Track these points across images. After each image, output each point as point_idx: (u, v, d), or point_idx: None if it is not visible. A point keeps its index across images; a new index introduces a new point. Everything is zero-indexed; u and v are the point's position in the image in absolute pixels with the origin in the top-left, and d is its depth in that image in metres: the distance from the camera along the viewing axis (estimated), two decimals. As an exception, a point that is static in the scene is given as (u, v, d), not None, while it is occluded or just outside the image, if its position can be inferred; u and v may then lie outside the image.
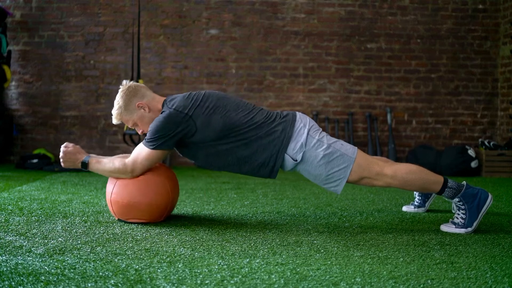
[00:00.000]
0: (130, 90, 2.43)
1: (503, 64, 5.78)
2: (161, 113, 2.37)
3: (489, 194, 2.34)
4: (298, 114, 2.43)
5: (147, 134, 2.36)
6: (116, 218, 2.49)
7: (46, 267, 1.69)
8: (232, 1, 5.73)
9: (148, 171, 2.43)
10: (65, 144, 2.47)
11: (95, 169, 2.42)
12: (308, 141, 2.34)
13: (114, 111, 2.45)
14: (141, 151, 2.37)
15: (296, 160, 2.34)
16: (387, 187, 2.39)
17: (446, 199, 2.38)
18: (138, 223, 2.43)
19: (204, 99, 2.39)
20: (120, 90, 2.45)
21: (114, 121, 2.48)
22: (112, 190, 2.41)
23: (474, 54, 5.88)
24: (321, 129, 2.42)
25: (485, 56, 5.88)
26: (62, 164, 2.45)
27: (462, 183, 2.36)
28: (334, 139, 2.38)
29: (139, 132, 2.50)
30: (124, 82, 2.50)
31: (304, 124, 2.38)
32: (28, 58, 5.62)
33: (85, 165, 2.43)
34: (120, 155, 2.55)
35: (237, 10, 5.73)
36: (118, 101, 2.43)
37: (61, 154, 2.44)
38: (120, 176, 2.40)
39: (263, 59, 5.76)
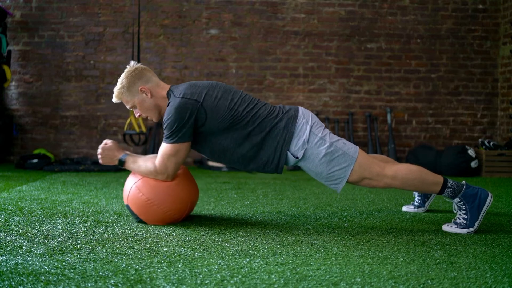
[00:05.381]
0: (136, 73, 2.42)
1: (503, 64, 5.78)
2: (168, 104, 2.36)
3: (489, 193, 2.34)
4: (301, 110, 2.43)
5: (165, 132, 2.33)
6: (125, 203, 2.47)
7: (46, 267, 1.68)
8: (232, 1, 5.73)
9: (181, 184, 2.41)
10: (104, 141, 2.48)
11: (130, 169, 2.43)
12: (310, 138, 2.33)
13: (116, 90, 2.43)
14: (165, 149, 2.34)
15: (298, 157, 2.34)
16: (387, 188, 2.39)
17: (446, 199, 2.38)
18: (138, 223, 2.42)
19: (212, 89, 2.38)
20: (126, 70, 2.44)
21: (114, 99, 2.46)
22: (139, 178, 2.40)
23: (474, 54, 5.88)
24: (323, 125, 2.42)
25: (485, 56, 5.88)
26: (100, 160, 2.46)
27: (462, 183, 2.36)
28: (336, 137, 2.38)
29: (136, 115, 2.50)
30: (132, 62, 2.48)
31: (306, 120, 2.37)
32: (28, 58, 5.62)
33: (122, 163, 2.44)
34: (153, 154, 2.49)
35: (237, 10, 5.73)
36: (122, 80, 2.41)
37: (99, 150, 2.45)
38: (156, 177, 2.37)
39: (263, 59, 5.76)
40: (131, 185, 2.41)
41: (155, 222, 2.41)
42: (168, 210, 2.38)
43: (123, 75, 2.43)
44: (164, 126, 2.33)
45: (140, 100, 2.42)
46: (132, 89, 2.41)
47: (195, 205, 2.56)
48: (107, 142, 2.47)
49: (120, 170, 4.95)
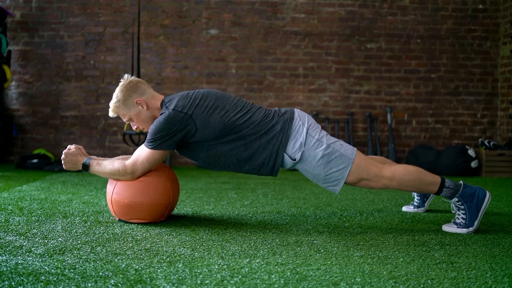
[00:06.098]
0: (131, 86, 2.43)
1: (503, 64, 5.78)
2: (160, 114, 2.37)
3: (487, 191, 2.34)
4: (297, 112, 2.43)
5: (148, 135, 2.36)
6: (117, 219, 2.49)
7: (46, 267, 1.69)
8: (232, 1, 5.73)
9: (149, 171, 2.43)
10: (68, 146, 2.48)
11: (95, 171, 2.43)
12: (307, 140, 2.34)
13: (112, 104, 2.44)
14: (142, 152, 2.37)
15: (295, 160, 2.34)
16: (385, 188, 2.40)
17: (444, 199, 2.38)
18: (138, 223, 2.42)
19: (203, 99, 2.39)
20: (120, 84, 2.45)
21: (111, 113, 2.47)
22: (113, 190, 2.41)
23: (474, 54, 5.88)
24: (320, 127, 2.42)
25: (485, 56, 5.88)
26: (63, 166, 2.46)
27: (459, 182, 2.36)
28: (333, 139, 2.38)
29: (134, 128, 2.51)
30: (125, 76, 2.49)
31: (302, 122, 2.38)
32: (28, 58, 5.62)
33: (86, 167, 2.43)
34: (120, 156, 2.55)
35: (237, 10, 5.73)
36: (117, 94, 2.43)
37: (62, 156, 2.45)
38: (120, 178, 2.39)
39: (263, 59, 5.76)
40: (110, 199, 2.43)
41: (153, 218, 2.42)
42: (154, 201, 2.38)
43: (118, 89, 2.45)
44: (149, 131, 2.36)
45: (136, 113, 2.43)
46: (128, 102, 2.42)
47: (179, 189, 2.56)
48: (70, 147, 2.47)
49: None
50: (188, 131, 2.33)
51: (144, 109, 2.42)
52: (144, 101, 2.42)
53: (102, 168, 2.41)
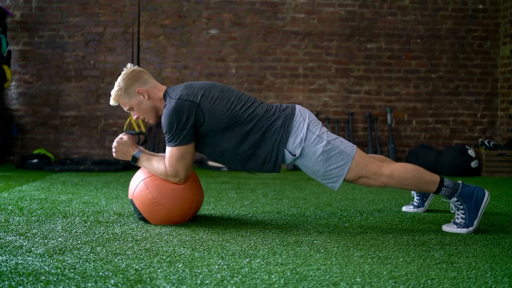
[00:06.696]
0: (134, 75, 2.42)
1: (503, 64, 5.78)
2: (165, 106, 2.36)
3: (486, 191, 2.34)
4: (298, 108, 2.43)
5: (165, 136, 2.34)
6: (129, 198, 2.47)
7: (46, 267, 1.68)
8: (232, 1, 5.73)
9: (189, 187, 2.41)
10: (120, 135, 2.49)
11: (144, 166, 2.44)
12: (308, 136, 2.34)
13: (113, 92, 2.43)
14: (171, 153, 2.34)
15: (295, 155, 2.34)
16: (384, 187, 2.39)
17: (444, 199, 2.39)
18: (139, 223, 2.42)
19: (208, 90, 2.39)
20: (123, 73, 2.45)
21: (112, 102, 2.47)
22: (148, 176, 2.40)
23: (474, 54, 5.88)
24: (321, 123, 2.42)
25: (485, 56, 5.88)
26: (114, 154, 2.48)
27: (458, 182, 2.36)
28: (334, 136, 2.38)
29: (134, 117, 2.50)
30: (128, 65, 2.48)
31: (303, 118, 2.38)
32: (28, 58, 5.62)
33: (135, 159, 2.45)
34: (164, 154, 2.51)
35: (237, 10, 5.73)
36: (119, 83, 2.42)
37: (114, 143, 2.47)
38: (168, 179, 2.38)
39: (263, 59, 5.76)
40: (139, 181, 2.41)
41: (157, 222, 2.41)
42: (172, 211, 2.38)
43: (120, 78, 2.44)
44: (164, 130, 2.34)
45: (137, 102, 2.42)
46: (130, 91, 2.41)
47: (198, 210, 2.57)
48: (123, 136, 2.48)
49: (121, 170, 4.95)
50: (197, 119, 2.32)
51: (145, 98, 2.42)
52: (146, 91, 2.41)
53: (151, 165, 2.41)
